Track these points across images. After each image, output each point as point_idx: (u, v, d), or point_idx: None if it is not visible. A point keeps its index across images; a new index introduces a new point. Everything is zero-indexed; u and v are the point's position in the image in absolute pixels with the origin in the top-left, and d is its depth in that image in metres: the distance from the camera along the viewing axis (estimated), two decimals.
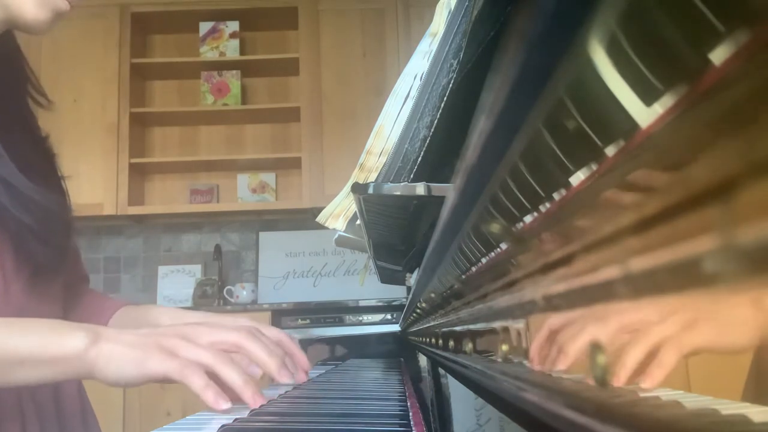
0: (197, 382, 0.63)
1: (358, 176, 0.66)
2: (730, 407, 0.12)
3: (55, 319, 0.72)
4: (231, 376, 0.65)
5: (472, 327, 0.37)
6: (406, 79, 0.65)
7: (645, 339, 0.14)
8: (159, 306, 0.92)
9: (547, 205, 0.19)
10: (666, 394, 0.14)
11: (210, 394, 0.63)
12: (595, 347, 0.16)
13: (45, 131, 0.87)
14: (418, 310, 0.78)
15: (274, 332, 0.82)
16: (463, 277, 0.35)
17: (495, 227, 0.23)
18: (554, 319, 0.20)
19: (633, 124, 0.12)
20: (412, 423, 0.54)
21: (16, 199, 0.73)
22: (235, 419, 0.55)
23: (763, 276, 0.09)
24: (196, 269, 3.19)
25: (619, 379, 0.16)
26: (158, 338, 0.66)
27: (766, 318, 0.10)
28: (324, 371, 1.12)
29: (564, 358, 0.19)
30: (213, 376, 0.66)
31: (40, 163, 0.82)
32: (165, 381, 0.65)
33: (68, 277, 0.88)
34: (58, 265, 0.82)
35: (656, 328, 0.13)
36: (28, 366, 0.62)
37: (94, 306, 0.92)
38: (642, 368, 0.15)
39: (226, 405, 0.63)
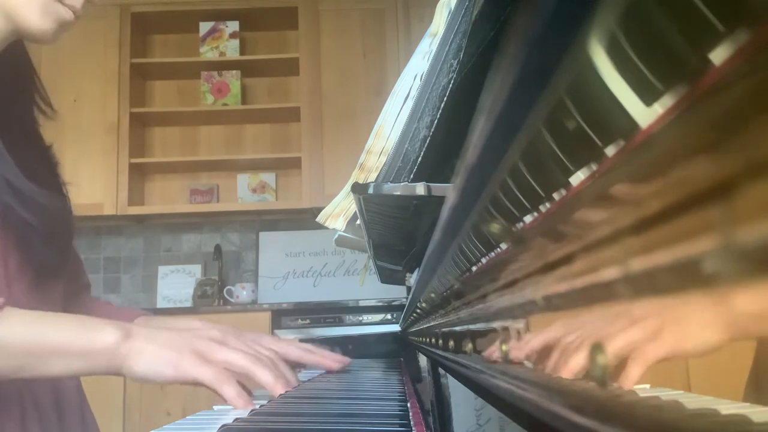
0: (229, 392, 0.66)
1: (358, 176, 0.66)
2: (730, 407, 0.12)
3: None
4: (265, 376, 0.70)
5: (472, 327, 0.37)
6: (406, 79, 0.65)
7: (612, 348, 0.15)
8: (167, 320, 0.94)
9: (547, 205, 0.19)
10: (666, 394, 0.14)
11: (240, 403, 0.66)
12: (595, 347, 0.16)
13: (49, 141, 0.88)
14: (418, 310, 0.78)
15: (294, 352, 0.86)
16: (463, 277, 0.35)
17: (495, 227, 0.23)
18: (552, 333, 0.20)
19: (633, 124, 0.12)
20: (412, 423, 0.54)
21: (21, 201, 0.74)
22: (236, 419, 0.55)
23: (763, 276, 0.09)
24: (196, 269, 3.19)
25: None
26: (191, 341, 0.69)
27: (731, 317, 0.10)
28: (324, 371, 1.12)
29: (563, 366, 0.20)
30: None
31: (43, 169, 0.83)
32: (195, 384, 0.68)
33: (70, 285, 0.89)
34: (59, 267, 0.83)
35: (623, 337, 0.14)
36: (59, 358, 0.64)
37: (103, 316, 0.93)
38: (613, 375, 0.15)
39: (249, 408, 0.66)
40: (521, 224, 0.21)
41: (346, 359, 0.95)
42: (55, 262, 0.81)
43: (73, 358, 0.65)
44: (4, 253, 0.74)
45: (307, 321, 2.76)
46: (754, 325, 0.10)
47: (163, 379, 0.67)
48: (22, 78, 0.84)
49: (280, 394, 0.75)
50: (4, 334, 0.63)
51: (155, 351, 0.66)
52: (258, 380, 0.75)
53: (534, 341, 0.20)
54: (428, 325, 0.69)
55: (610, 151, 0.14)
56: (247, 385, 0.73)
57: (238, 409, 0.66)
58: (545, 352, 0.19)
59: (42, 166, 0.83)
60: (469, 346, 0.38)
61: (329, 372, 0.93)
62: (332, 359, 0.91)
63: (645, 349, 0.13)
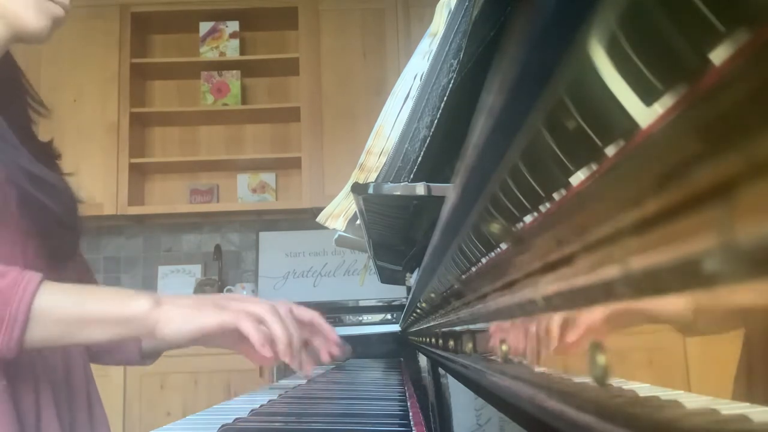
0: (248, 326, 0.72)
1: (358, 176, 0.65)
2: (730, 407, 0.12)
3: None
4: (274, 327, 0.75)
5: (472, 327, 0.37)
6: (406, 79, 0.65)
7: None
8: None
9: (547, 205, 0.19)
10: (666, 394, 0.14)
11: (259, 338, 0.72)
12: (595, 347, 0.16)
13: (50, 136, 0.91)
14: (418, 310, 0.78)
15: (306, 313, 0.88)
16: (463, 277, 0.35)
17: (495, 227, 0.23)
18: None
19: (633, 124, 0.12)
20: (412, 423, 0.54)
21: (39, 187, 0.77)
22: (236, 419, 0.55)
23: (763, 276, 0.09)
24: (196, 269, 3.19)
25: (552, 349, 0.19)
26: (211, 299, 0.77)
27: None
28: (324, 371, 1.12)
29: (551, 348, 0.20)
30: None
31: (45, 161, 0.85)
32: (217, 334, 0.74)
33: (81, 279, 0.92)
34: (72, 249, 0.87)
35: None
36: (98, 325, 0.70)
37: None
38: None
39: (269, 353, 0.72)
40: (521, 224, 0.21)
41: (346, 348, 0.95)
42: (69, 243, 0.85)
43: (111, 325, 0.71)
44: (24, 240, 0.77)
45: None
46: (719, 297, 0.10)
47: (189, 333, 0.72)
48: (11, 82, 0.88)
49: (280, 394, 0.75)
50: (48, 304, 0.68)
51: (180, 312, 0.73)
52: (269, 328, 0.77)
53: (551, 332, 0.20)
54: (428, 325, 0.69)
55: (610, 151, 0.14)
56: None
57: (256, 344, 0.71)
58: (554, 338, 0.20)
59: (43, 157, 0.86)
60: (469, 346, 0.38)
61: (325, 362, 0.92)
62: (335, 340, 0.90)
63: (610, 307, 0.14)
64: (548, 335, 0.20)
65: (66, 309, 0.69)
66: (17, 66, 0.89)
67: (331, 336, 0.88)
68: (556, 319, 0.19)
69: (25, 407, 0.74)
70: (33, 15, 0.77)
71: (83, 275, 0.95)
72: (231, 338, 0.82)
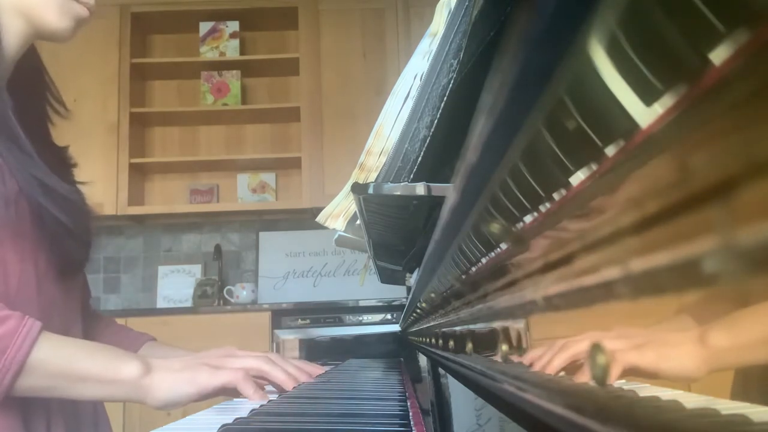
0: (248, 389, 0.74)
1: (358, 176, 0.65)
2: (730, 407, 0.12)
3: (106, 342, 0.82)
4: (277, 374, 0.79)
5: (472, 327, 0.37)
6: (406, 78, 0.65)
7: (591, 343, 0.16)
8: (176, 348, 0.97)
9: (547, 205, 0.19)
10: (666, 394, 0.14)
11: (258, 397, 0.73)
12: (595, 347, 0.16)
13: (66, 143, 0.92)
14: (418, 310, 0.78)
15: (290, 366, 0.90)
16: (463, 277, 0.35)
17: (495, 227, 0.23)
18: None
19: (633, 124, 0.12)
20: (412, 423, 0.54)
21: (52, 199, 0.77)
22: (236, 419, 0.55)
23: (763, 276, 0.09)
24: (196, 269, 3.19)
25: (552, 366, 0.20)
26: (204, 359, 0.77)
27: (707, 354, 0.11)
28: (324, 371, 1.12)
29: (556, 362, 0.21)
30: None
31: (60, 169, 0.85)
32: (216, 394, 0.75)
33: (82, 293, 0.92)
34: (84, 261, 0.88)
35: (608, 342, 0.16)
36: (89, 383, 0.70)
37: (120, 342, 0.94)
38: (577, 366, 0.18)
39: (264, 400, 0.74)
40: (521, 224, 0.21)
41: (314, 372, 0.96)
42: (81, 256, 0.85)
43: (100, 385, 0.70)
44: (35, 252, 0.76)
45: (307, 321, 2.76)
46: (726, 358, 0.11)
47: (185, 397, 0.72)
48: (34, 77, 0.87)
49: (280, 394, 0.75)
50: (43, 357, 0.67)
51: (173, 377, 0.72)
52: (271, 379, 0.80)
53: (555, 359, 0.21)
54: (428, 325, 0.69)
55: (610, 151, 0.14)
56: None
57: (254, 400, 0.72)
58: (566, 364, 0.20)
59: (58, 165, 0.85)
60: (469, 346, 0.38)
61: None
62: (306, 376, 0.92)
63: (625, 353, 0.15)
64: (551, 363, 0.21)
65: (58, 364, 0.69)
66: (41, 61, 0.89)
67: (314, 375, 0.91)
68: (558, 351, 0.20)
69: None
70: (56, 14, 0.77)
71: (82, 290, 0.94)
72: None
